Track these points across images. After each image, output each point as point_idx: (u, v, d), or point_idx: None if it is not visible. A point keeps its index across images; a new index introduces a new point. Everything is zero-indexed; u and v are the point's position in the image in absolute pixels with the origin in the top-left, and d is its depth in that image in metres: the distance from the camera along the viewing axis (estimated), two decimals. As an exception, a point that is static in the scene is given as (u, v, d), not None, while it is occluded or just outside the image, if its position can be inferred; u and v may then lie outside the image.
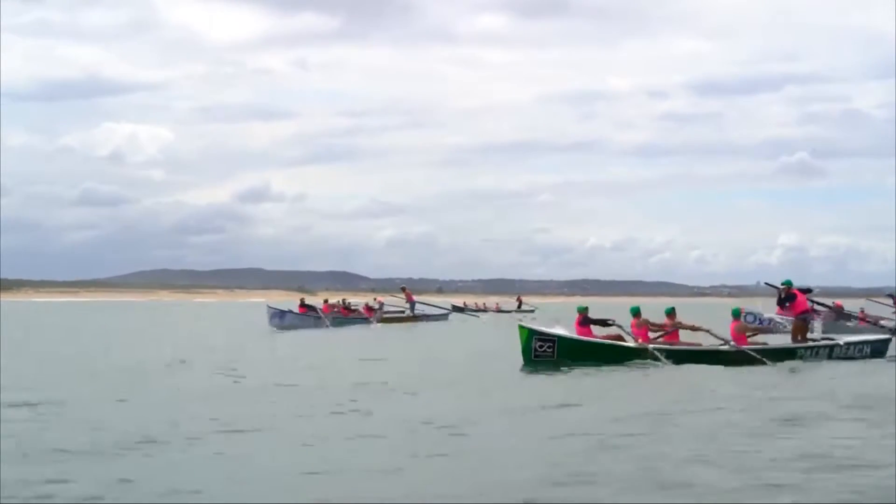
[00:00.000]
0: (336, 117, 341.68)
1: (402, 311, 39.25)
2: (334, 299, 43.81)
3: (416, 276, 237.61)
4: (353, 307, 39.89)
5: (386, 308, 40.26)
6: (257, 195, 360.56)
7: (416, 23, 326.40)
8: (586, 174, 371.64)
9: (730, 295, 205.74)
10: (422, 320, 38.22)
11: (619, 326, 17.99)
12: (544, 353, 17.00)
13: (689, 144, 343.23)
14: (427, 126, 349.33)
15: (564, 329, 17.92)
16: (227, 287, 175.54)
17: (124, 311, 72.77)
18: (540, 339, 17.14)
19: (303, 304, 38.67)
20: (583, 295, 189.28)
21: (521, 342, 17.15)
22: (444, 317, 38.71)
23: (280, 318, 36.71)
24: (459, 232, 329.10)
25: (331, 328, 35.09)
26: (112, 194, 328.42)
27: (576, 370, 16.06)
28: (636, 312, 17.92)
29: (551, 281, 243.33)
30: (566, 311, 70.18)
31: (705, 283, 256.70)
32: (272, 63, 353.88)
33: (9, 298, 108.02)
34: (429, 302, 44.36)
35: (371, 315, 38.14)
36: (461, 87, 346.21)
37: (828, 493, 6.99)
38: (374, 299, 42.79)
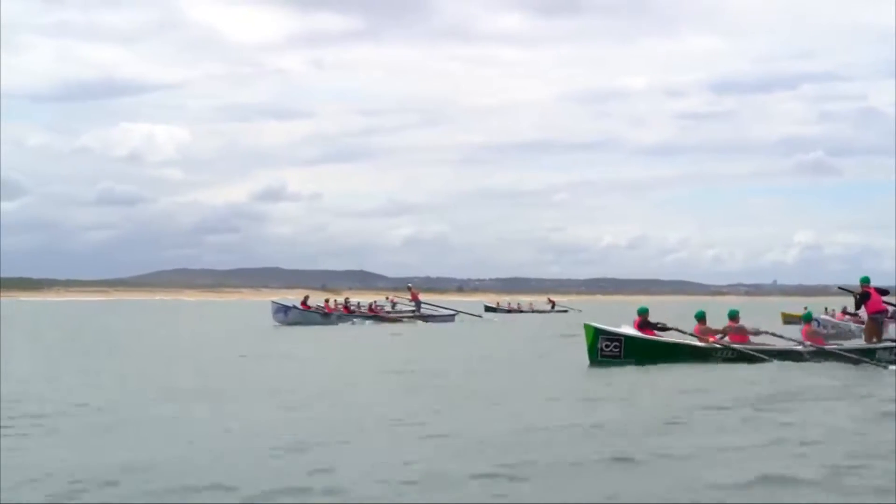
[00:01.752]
0: (352, 116, 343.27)
1: (411, 310, 38.63)
2: (354, 298, 44.37)
3: (433, 275, 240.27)
4: (353, 306, 39.43)
5: (397, 307, 40.21)
6: (274, 194, 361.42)
7: (432, 22, 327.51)
8: (602, 173, 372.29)
9: (747, 293, 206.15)
10: (427, 320, 37.12)
11: (682, 332, 17.65)
12: (611, 353, 16.69)
13: (705, 143, 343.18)
14: (443, 125, 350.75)
15: (630, 328, 17.52)
16: (253, 286, 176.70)
17: (165, 309, 74.27)
18: (607, 339, 16.84)
19: (304, 302, 38.87)
20: (603, 294, 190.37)
21: (587, 341, 16.87)
22: (450, 318, 37.41)
23: (284, 314, 37.16)
24: (474, 231, 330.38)
25: (338, 325, 35.19)
26: (129, 194, 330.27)
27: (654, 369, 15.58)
28: (701, 317, 17.71)
29: (568, 280, 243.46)
30: (599, 311, 70.91)
31: (721, 282, 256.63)
32: (289, 62, 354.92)
33: (38, 297, 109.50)
34: (433, 302, 42.63)
35: (374, 313, 37.96)
36: (477, 85, 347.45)
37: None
38: (387, 298, 42.64)
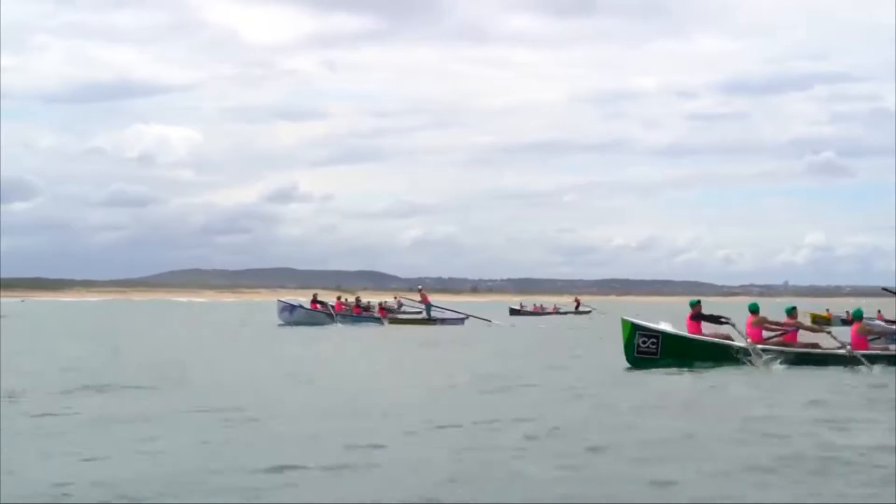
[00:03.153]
0: (364, 117, 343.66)
1: (419, 312, 37.70)
2: (364, 298, 43.64)
3: (445, 276, 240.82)
4: (365, 306, 38.72)
5: (404, 309, 39.48)
6: (285, 195, 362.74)
7: (444, 23, 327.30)
8: (612, 174, 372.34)
9: (760, 294, 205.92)
10: (436, 323, 35.90)
11: (733, 325, 16.78)
12: (648, 350, 16.18)
13: (716, 144, 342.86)
14: (454, 126, 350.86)
15: (669, 325, 16.84)
16: (268, 287, 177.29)
17: (191, 309, 75.30)
18: (643, 335, 16.28)
19: (314, 301, 38.41)
20: (617, 295, 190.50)
21: (624, 337, 16.38)
22: (460, 321, 35.78)
23: (290, 313, 36.76)
24: (484, 232, 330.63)
25: (343, 325, 34.42)
26: (140, 195, 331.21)
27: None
28: (755, 309, 16.79)
29: (579, 280, 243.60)
30: (621, 311, 70.71)
31: (733, 283, 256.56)
32: (301, 63, 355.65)
33: (58, 298, 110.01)
34: (443, 304, 40.97)
35: (384, 315, 37.20)
36: (488, 86, 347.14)
37: None
38: (395, 297, 42.03)
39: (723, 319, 17.01)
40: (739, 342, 16.36)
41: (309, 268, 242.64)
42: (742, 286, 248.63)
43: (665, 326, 16.65)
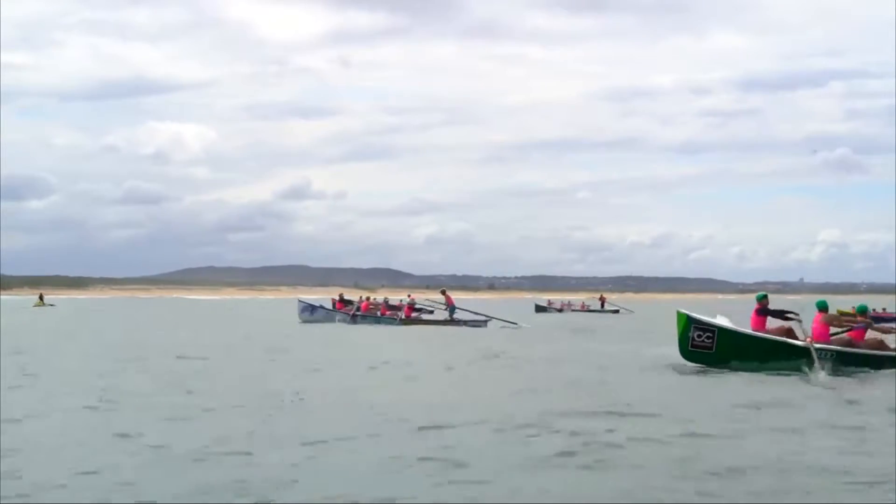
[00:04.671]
0: (378, 115, 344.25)
1: (431, 312, 36.42)
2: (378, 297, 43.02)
3: (459, 273, 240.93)
4: (394, 305, 37.35)
5: (417, 307, 37.52)
6: (298, 193, 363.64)
7: (459, 21, 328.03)
8: (626, 171, 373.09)
9: (777, 291, 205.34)
10: (460, 325, 34.46)
11: (800, 321, 16.19)
12: (703, 345, 15.82)
13: (731, 140, 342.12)
14: (468, 123, 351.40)
15: (726, 319, 16.48)
16: (285, 284, 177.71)
17: (217, 307, 75.32)
18: (699, 328, 15.91)
19: (341, 300, 37.89)
20: (634, 292, 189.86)
21: (679, 330, 16.03)
22: (483, 323, 34.44)
23: (310, 313, 36.68)
24: (497, 229, 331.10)
25: (366, 325, 33.80)
26: (155, 192, 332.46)
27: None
28: (823, 307, 16.28)
29: (594, 277, 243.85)
30: (647, 309, 70.65)
31: (748, 280, 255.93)
32: (316, 61, 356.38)
33: (75, 295, 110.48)
34: (456, 302, 37.91)
35: (386, 313, 36.12)
36: (503, 84, 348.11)
37: None
38: (408, 296, 41.25)
39: (790, 315, 16.44)
40: (800, 341, 15.77)
41: (323, 265, 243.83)
42: (757, 283, 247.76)
43: (722, 321, 16.27)
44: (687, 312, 16.20)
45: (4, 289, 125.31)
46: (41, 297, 66.24)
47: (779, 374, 14.84)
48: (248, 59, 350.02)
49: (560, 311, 60.45)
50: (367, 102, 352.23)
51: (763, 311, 16.39)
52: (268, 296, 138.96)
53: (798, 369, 15.11)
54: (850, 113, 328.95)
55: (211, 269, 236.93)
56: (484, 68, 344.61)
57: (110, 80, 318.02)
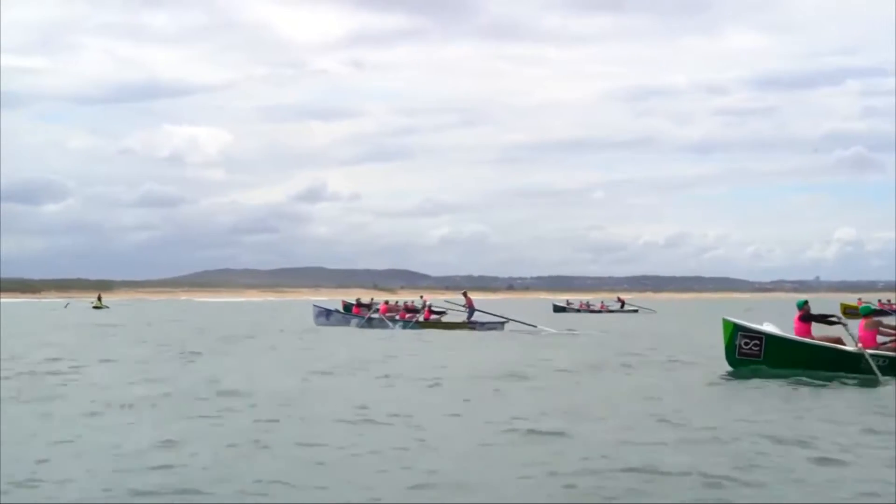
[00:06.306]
0: (393, 116, 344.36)
1: (443, 314, 35.96)
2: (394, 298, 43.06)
3: (475, 274, 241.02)
4: (414, 308, 36.77)
5: (436, 309, 37.10)
6: (313, 195, 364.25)
7: (473, 21, 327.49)
8: (641, 171, 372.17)
9: (794, 290, 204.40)
10: (477, 327, 34.00)
11: (845, 325, 15.79)
12: (750, 352, 15.64)
13: (746, 139, 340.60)
14: (482, 124, 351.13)
15: (774, 326, 16.31)
16: (303, 286, 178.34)
17: (250, 308, 76.12)
18: (746, 336, 15.75)
19: (359, 304, 37.86)
20: (653, 292, 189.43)
21: (725, 338, 15.86)
22: (500, 325, 33.84)
23: (326, 318, 36.69)
24: (512, 229, 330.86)
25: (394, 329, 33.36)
26: (170, 195, 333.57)
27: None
28: (868, 312, 16.17)
29: (609, 277, 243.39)
30: (665, 308, 70.40)
31: (764, 279, 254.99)
32: (331, 63, 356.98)
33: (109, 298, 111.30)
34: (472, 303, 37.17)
35: (405, 316, 35.48)
36: (517, 84, 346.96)
37: None
38: (421, 297, 40.79)
39: (833, 319, 16.12)
40: (851, 346, 15.49)
41: (339, 267, 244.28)
42: (774, 282, 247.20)
43: (769, 327, 16.10)
44: (734, 320, 16.01)
45: (32, 292, 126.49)
46: (99, 299, 67.22)
47: (845, 384, 14.46)
48: (263, 62, 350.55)
49: (579, 311, 60.49)
50: (382, 104, 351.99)
51: (806, 317, 16.12)
52: (288, 297, 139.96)
53: (852, 376, 14.86)
54: (866, 111, 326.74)
55: (228, 271, 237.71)
56: (499, 69, 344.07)
57: (126, 83, 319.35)
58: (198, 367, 18.07)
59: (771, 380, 14.76)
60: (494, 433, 9.99)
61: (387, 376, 16.05)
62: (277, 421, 10.78)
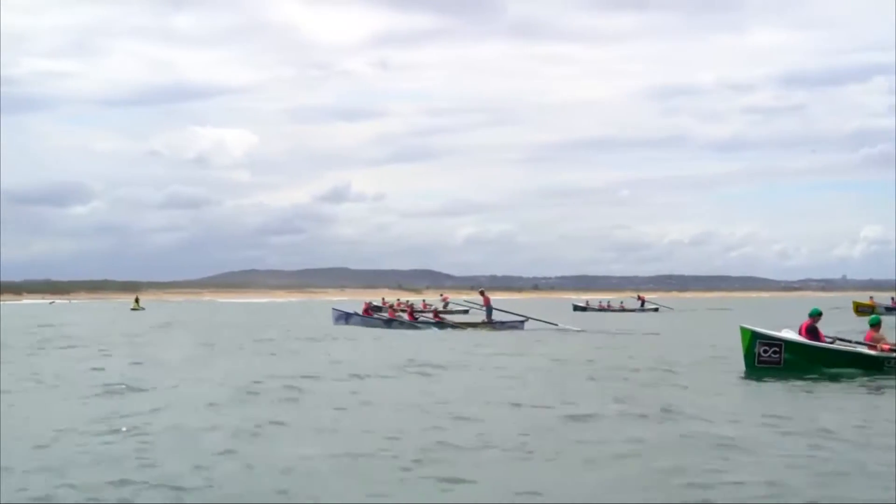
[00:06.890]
0: (419, 116, 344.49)
1: (466, 312, 36.04)
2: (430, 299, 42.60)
3: (500, 274, 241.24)
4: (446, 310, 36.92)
5: (450, 308, 37.54)
6: (338, 195, 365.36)
7: (499, 20, 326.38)
8: (667, 169, 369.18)
9: (822, 289, 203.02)
10: (496, 327, 33.77)
11: (848, 340, 16.20)
12: (770, 359, 15.67)
13: (773, 137, 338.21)
14: (508, 124, 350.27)
15: (792, 332, 16.26)
16: (331, 286, 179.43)
17: (284, 308, 76.69)
18: (765, 343, 15.77)
19: (370, 308, 38.16)
20: (678, 291, 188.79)
21: (743, 346, 15.89)
22: (520, 324, 33.60)
23: (345, 320, 36.73)
24: (537, 229, 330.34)
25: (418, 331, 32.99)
26: (197, 196, 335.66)
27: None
28: (875, 323, 16.29)
29: (635, 276, 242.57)
30: (686, 306, 70.33)
31: (790, 278, 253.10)
32: (358, 63, 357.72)
33: (124, 299, 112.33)
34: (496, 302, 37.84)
35: (439, 319, 35.65)
36: (543, 83, 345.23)
37: None
38: (441, 296, 40.49)
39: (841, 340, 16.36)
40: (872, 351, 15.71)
41: (364, 267, 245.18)
42: (801, 281, 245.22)
43: (788, 334, 16.10)
44: (751, 328, 16.01)
45: (62, 293, 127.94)
46: (137, 301, 68.33)
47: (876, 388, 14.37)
48: (290, 63, 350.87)
49: (600, 310, 60.68)
50: (408, 104, 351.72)
51: (810, 330, 16.15)
52: (317, 297, 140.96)
53: (875, 379, 14.95)
54: (894, 108, 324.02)
55: (254, 272, 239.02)
56: (525, 68, 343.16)
57: (153, 85, 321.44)
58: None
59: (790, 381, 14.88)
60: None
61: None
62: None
